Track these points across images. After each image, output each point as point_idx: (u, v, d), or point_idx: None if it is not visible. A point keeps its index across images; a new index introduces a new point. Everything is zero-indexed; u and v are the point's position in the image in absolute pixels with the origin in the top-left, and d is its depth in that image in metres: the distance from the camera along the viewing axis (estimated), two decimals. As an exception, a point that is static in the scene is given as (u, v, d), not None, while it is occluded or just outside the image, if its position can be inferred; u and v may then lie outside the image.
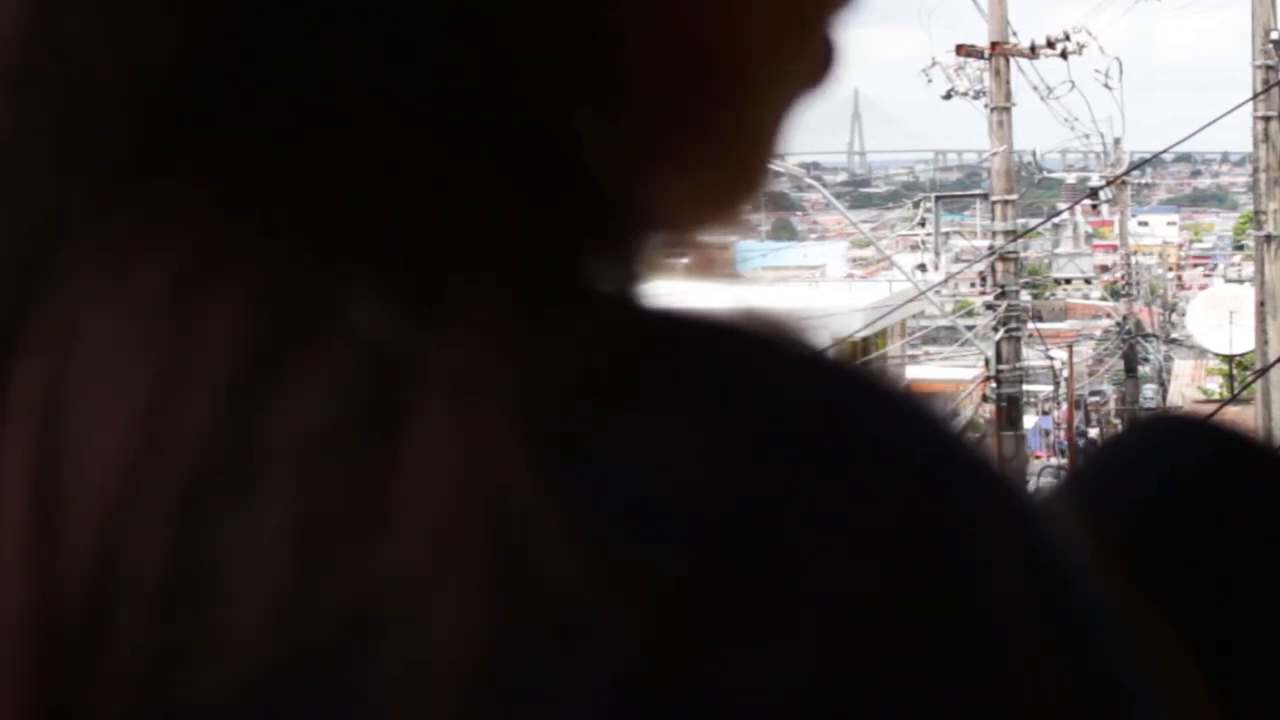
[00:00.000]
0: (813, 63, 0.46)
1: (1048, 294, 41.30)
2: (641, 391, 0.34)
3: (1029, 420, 26.13)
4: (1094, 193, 27.75)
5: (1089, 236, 45.73)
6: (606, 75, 0.41)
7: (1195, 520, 0.65)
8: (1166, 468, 0.66)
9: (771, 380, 0.35)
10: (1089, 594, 0.35)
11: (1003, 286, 17.98)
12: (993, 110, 18.18)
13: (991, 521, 0.34)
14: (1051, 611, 0.34)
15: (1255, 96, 15.57)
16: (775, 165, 0.46)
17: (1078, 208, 31.88)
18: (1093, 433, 33.70)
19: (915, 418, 0.36)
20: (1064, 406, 30.25)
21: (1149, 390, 31.97)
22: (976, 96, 18.79)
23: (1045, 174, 32.71)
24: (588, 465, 0.33)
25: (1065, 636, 0.34)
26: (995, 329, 18.10)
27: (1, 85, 0.39)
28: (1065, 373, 28.27)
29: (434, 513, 0.33)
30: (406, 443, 0.33)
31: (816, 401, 0.35)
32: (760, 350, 0.36)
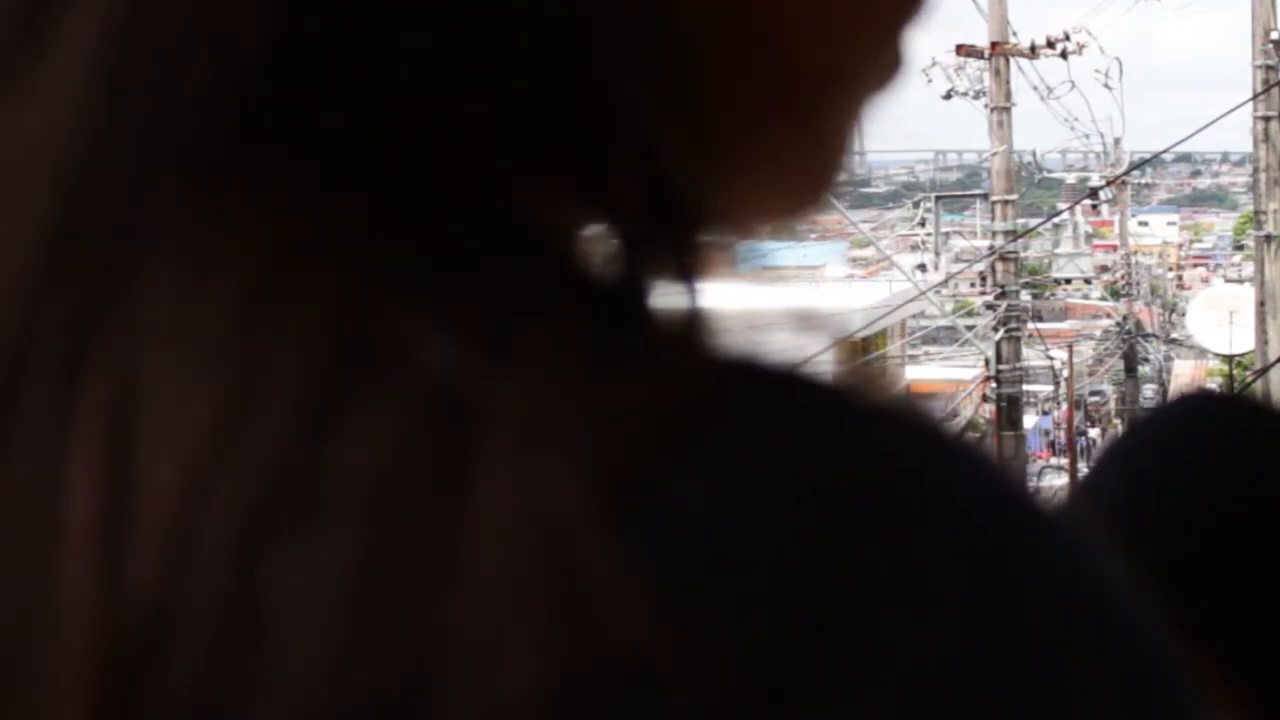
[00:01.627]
0: (882, 68, 0.46)
1: (1048, 294, 41.28)
2: (709, 440, 0.34)
3: (1029, 420, 26.12)
4: (1094, 193, 27.76)
5: (1089, 236, 45.69)
6: (682, 77, 0.40)
7: (1241, 496, 0.65)
8: (1210, 444, 0.66)
9: (844, 432, 0.35)
10: (1163, 653, 0.35)
11: (1003, 286, 17.98)
12: (993, 110, 18.18)
13: (1067, 584, 0.34)
14: (1123, 673, 0.34)
15: (1255, 96, 15.57)
16: (845, 166, 0.46)
17: (1078, 208, 31.88)
18: (1093, 432, 33.70)
19: (989, 476, 0.35)
20: (1064, 406, 30.23)
21: (1149, 390, 31.95)
22: (976, 96, 18.80)
23: (1045, 174, 32.73)
24: (655, 516, 0.33)
25: (1137, 694, 0.34)
26: (995, 329, 18.11)
27: (96, 80, 0.37)
28: (1065, 373, 28.25)
29: (500, 563, 0.32)
30: (474, 488, 0.33)
31: (888, 454, 0.34)
32: (831, 399, 0.36)
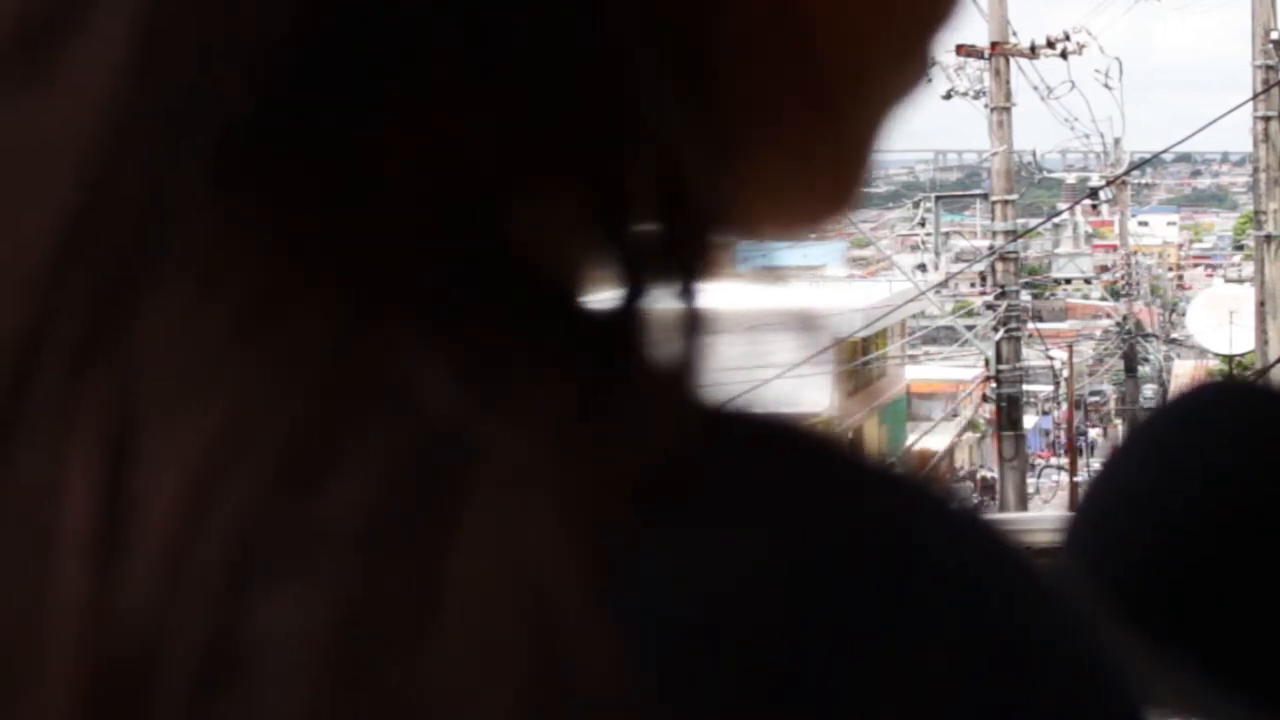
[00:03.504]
0: (908, 75, 0.45)
1: (1048, 294, 41.28)
2: (696, 499, 0.33)
3: (1029, 420, 26.11)
4: (1094, 193, 27.75)
5: (1089, 236, 45.68)
6: (704, 78, 0.39)
7: (1262, 484, 0.64)
8: (1228, 432, 0.66)
9: (829, 495, 0.34)
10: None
11: (1003, 286, 17.98)
12: (993, 110, 18.18)
13: (1053, 653, 0.34)
14: None
15: (1255, 96, 15.57)
16: (870, 176, 0.45)
17: (1078, 208, 31.87)
18: (1093, 432, 33.69)
19: (980, 540, 0.34)
20: (1064, 406, 30.23)
21: (1149, 390, 31.94)
22: (976, 96, 18.79)
23: (1045, 174, 32.72)
24: (637, 580, 0.32)
25: None
26: (995, 329, 18.10)
27: (120, 78, 0.36)
28: (1065, 373, 28.25)
29: (478, 623, 0.32)
30: (457, 543, 0.32)
31: (876, 517, 0.34)
32: (821, 459, 0.35)
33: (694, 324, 0.37)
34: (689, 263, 0.38)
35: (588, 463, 0.33)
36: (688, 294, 0.37)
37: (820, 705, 0.32)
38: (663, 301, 0.37)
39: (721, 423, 0.36)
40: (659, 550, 0.33)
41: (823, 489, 0.34)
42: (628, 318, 0.37)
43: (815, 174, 0.44)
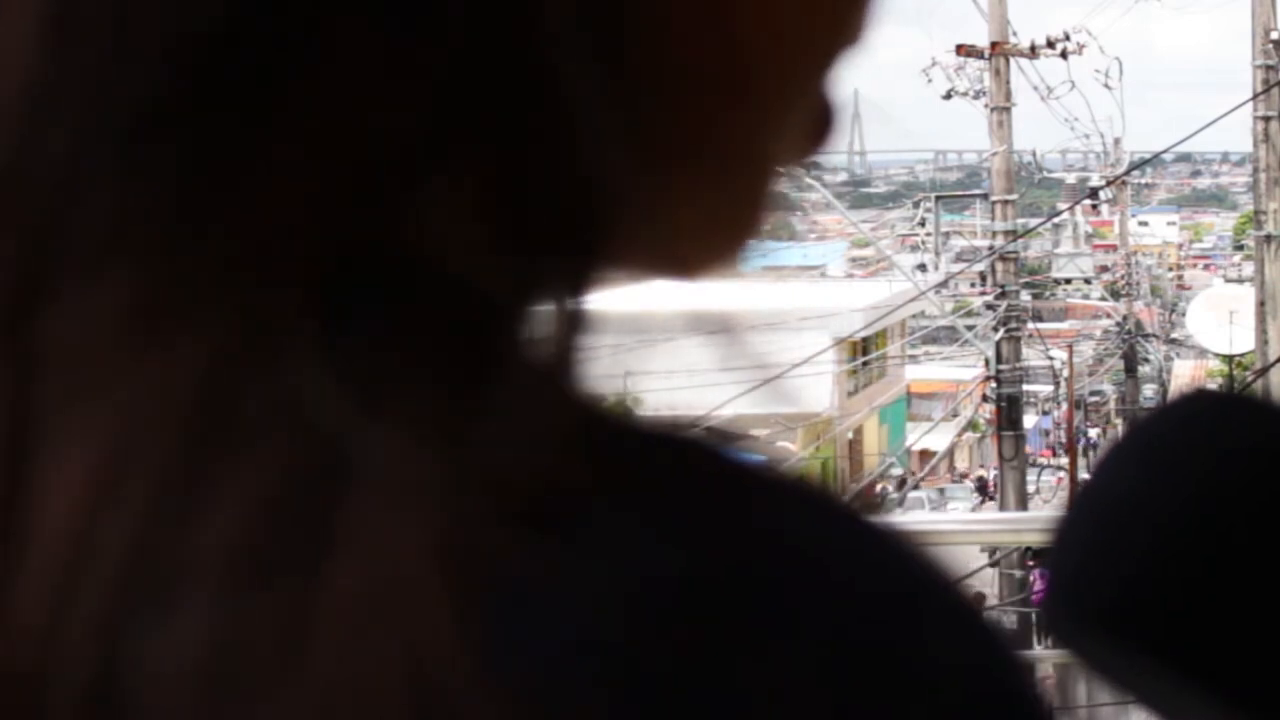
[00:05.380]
0: (811, 124, 0.43)
1: (1048, 294, 41.29)
2: (577, 516, 0.33)
3: (1029, 420, 26.12)
4: (1094, 193, 27.75)
5: (1089, 236, 45.67)
6: (630, 83, 0.38)
7: (1254, 497, 0.64)
8: (1218, 443, 0.66)
9: (717, 508, 0.34)
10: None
11: (1003, 286, 17.98)
12: (993, 110, 18.18)
13: (957, 677, 0.33)
14: None
15: (1255, 96, 15.57)
16: (767, 220, 0.43)
17: (1078, 208, 31.88)
18: (1093, 433, 33.70)
19: (880, 555, 0.34)
20: (1064, 406, 30.23)
21: (1149, 390, 31.95)
22: (976, 96, 18.79)
23: (1045, 174, 32.69)
24: (512, 603, 0.32)
25: None
26: (995, 329, 18.10)
27: (41, 46, 0.35)
28: (1065, 373, 28.26)
29: (351, 653, 0.31)
30: (332, 569, 0.32)
31: (766, 533, 0.33)
32: (711, 469, 0.35)
33: (582, 328, 0.36)
34: (588, 264, 0.37)
35: (469, 474, 0.33)
36: (580, 297, 0.36)
37: None
38: (557, 304, 0.36)
39: (613, 434, 0.35)
40: (538, 577, 0.32)
41: (713, 505, 0.34)
42: (518, 320, 0.36)
43: (718, 203, 0.42)
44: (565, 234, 0.36)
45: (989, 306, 18.47)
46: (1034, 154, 28.34)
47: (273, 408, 0.33)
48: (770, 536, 0.33)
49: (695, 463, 0.35)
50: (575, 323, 0.36)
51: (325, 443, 0.33)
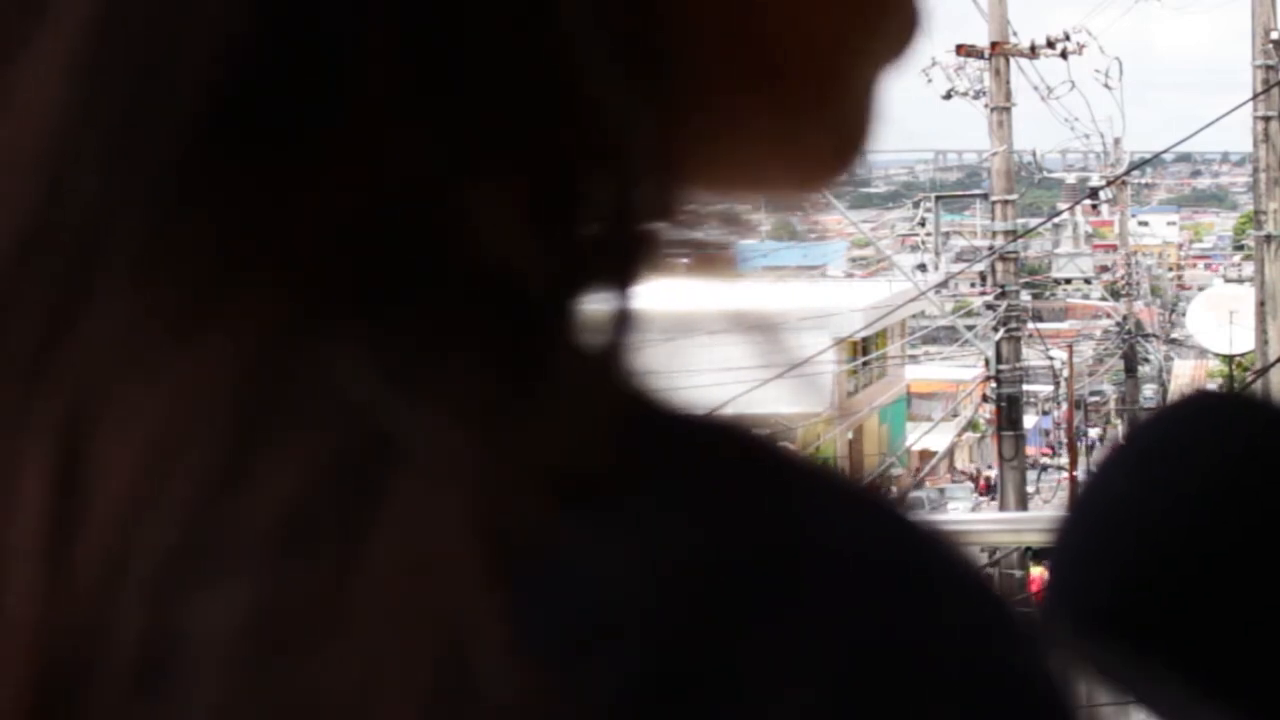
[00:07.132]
0: (895, 33, 0.44)
1: (1048, 294, 41.28)
2: (617, 495, 0.34)
3: (1029, 420, 26.11)
4: (1094, 193, 27.76)
5: (1089, 236, 45.64)
6: (660, 54, 0.38)
7: (1254, 498, 0.64)
8: (1217, 446, 0.65)
9: (746, 494, 0.34)
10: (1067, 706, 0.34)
11: (1003, 286, 17.98)
12: (993, 110, 18.17)
13: (971, 661, 0.33)
14: None
15: (1255, 96, 15.56)
16: (869, 138, 0.44)
17: (1078, 208, 31.87)
18: (1093, 432, 33.69)
19: (900, 540, 0.34)
20: (1064, 406, 30.22)
21: (1149, 390, 31.94)
22: (976, 96, 18.78)
23: (1045, 174, 32.70)
24: (544, 578, 0.33)
25: None
26: (995, 329, 18.10)
27: (73, 83, 0.36)
28: (1065, 373, 28.25)
29: (385, 626, 0.33)
30: (372, 541, 0.33)
31: (790, 518, 0.34)
32: (747, 459, 0.35)
33: (629, 321, 0.37)
34: (632, 257, 0.37)
35: (509, 456, 0.34)
36: (627, 290, 0.37)
37: (723, 707, 0.32)
38: (602, 297, 0.37)
39: (650, 419, 0.36)
40: (571, 548, 0.33)
41: (745, 490, 0.34)
42: (564, 312, 0.37)
43: (804, 138, 0.43)
44: (607, 223, 0.37)
45: (989, 306, 18.46)
46: (1034, 154, 28.35)
47: (320, 391, 0.35)
48: (798, 521, 0.34)
49: (728, 448, 0.35)
50: (619, 314, 0.37)
51: (370, 423, 0.34)
